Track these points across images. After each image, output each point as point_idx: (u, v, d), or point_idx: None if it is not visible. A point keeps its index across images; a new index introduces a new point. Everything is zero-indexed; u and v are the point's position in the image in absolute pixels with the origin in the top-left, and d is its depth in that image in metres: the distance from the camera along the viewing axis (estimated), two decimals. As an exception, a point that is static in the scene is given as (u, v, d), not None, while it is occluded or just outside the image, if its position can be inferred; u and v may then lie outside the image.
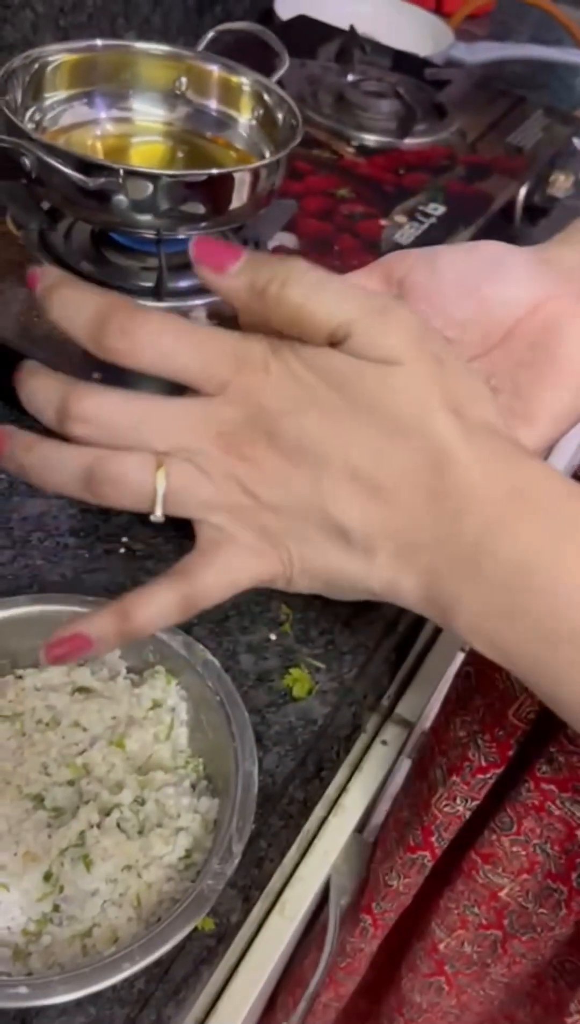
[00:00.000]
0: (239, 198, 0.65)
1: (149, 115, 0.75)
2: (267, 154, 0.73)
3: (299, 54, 1.10)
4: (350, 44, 1.06)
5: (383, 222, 0.83)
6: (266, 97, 0.73)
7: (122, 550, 0.63)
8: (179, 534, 0.64)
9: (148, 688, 0.51)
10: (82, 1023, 0.42)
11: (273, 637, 0.60)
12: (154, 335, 0.32)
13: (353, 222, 0.82)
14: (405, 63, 1.09)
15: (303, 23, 1.17)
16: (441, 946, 0.60)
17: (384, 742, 0.68)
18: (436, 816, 0.56)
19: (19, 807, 0.45)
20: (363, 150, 0.93)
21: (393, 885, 0.60)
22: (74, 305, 0.33)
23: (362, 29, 1.10)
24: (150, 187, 0.59)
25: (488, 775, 0.52)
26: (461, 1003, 0.64)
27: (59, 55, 0.69)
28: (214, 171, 0.62)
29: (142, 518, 0.65)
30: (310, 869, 0.59)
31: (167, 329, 0.32)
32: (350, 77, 1.03)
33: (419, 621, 0.64)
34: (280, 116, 0.72)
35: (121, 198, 0.60)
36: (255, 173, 0.64)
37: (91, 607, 0.52)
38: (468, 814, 0.55)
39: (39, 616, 0.51)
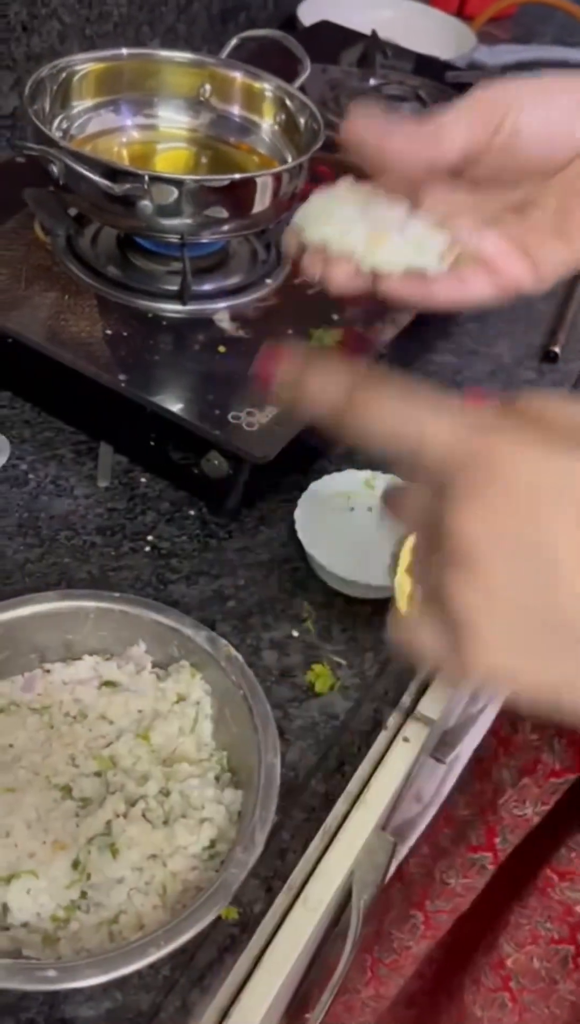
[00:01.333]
0: (262, 202, 0.66)
1: (173, 122, 0.76)
2: (289, 159, 0.74)
3: (321, 59, 1.12)
4: (372, 48, 1.07)
5: (405, 224, 0.83)
6: (288, 103, 0.74)
7: (148, 548, 0.64)
8: (203, 533, 0.66)
9: (173, 682, 0.52)
10: (109, 1008, 0.43)
11: (296, 634, 0.60)
12: None
13: (375, 225, 0.83)
14: (427, 67, 1.09)
15: (326, 28, 1.18)
16: (508, 961, 0.60)
17: (406, 739, 0.68)
18: (503, 818, 0.56)
19: (48, 797, 0.46)
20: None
21: (450, 884, 0.60)
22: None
23: (384, 34, 1.11)
24: (175, 192, 0.61)
25: (561, 780, 0.52)
26: (523, 1021, 0.64)
27: (85, 64, 0.71)
28: (237, 176, 0.63)
29: (166, 518, 0.67)
30: (333, 862, 0.59)
31: None
32: (372, 81, 1.04)
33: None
34: (302, 121, 0.73)
35: (146, 203, 0.61)
36: (277, 177, 0.65)
37: (117, 603, 0.53)
38: (537, 819, 0.55)
39: (66, 611, 0.53)
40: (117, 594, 0.54)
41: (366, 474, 0.67)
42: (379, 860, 0.68)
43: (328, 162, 0.75)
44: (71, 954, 0.42)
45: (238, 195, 0.64)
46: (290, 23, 1.33)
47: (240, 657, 0.51)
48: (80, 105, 0.72)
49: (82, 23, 1.04)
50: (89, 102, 0.73)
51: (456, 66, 1.15)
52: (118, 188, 0.59)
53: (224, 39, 1.30)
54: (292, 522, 0.64)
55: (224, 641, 0.52)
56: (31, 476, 0.67)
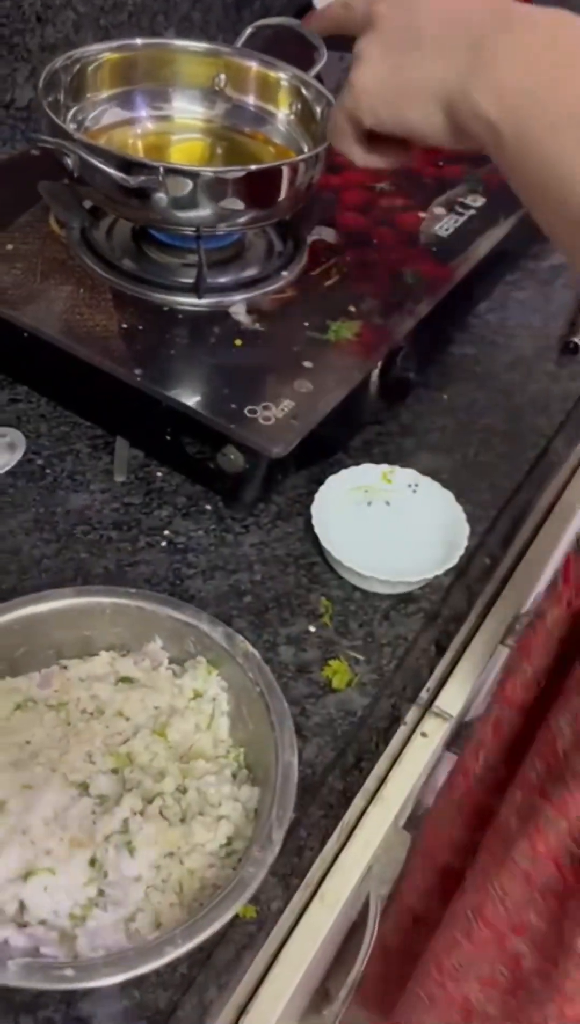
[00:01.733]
0: (278, 193, 0.65)
1: (188, 112, 0.76)
2: (306, 149, 0.73)
3: (338, 46, 1.10)
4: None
5: (422, 214, 0.82)
6: (304, 92, 0.73)
7: (164, 543, 0.64)
8: (219, 527, 0.65)
9: (189, 678, 0.51)
10: (127, 1006, 0.43)
11: (313, 629, 0.60)
12: None
13: (392, 215, 0.82)
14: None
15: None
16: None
17: (424, 734, 0.68)
18: None
19: (65, 794, 0.46)
20: (402, 142, 0.92)
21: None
22: None
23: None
24: (189, 184, 0.60)
25: None
26: None
27: (100, 55, 0.70)
28: (253, 167, 0.63)
29: (183, 512, 0.66)
30: (350, 859, 0.59)
31: None
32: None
33: (460, 614, 0.64)
34: (318, 110, 0.72)
35: (161, 195, 0.60)
36: (293, 168, 0.64)
37: (133, 599, 0.53)
38: None
39: (83, 608, 0.52)
40: (133, 590, 0.53)
41: (384, 468, 0.66)
42: (397, 855, 0.67)
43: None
44: (88, 951, 0.42)
45: (254, 186, 0.64)
46: (305, 9, 1.31)
47: (257, 654, 0.51)
48: (94, 96, 0.72)
49: (97, 13, 1.03)
50: (103, 93, 0.72)
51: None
52: (133, 180, 0.58)
53: (239, 27, 1.29)
54: (309, 516, 0.63)
55: (241, 637, 0.51)
56: (48, 471, 0.67)
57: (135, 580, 0.61)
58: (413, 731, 0.69)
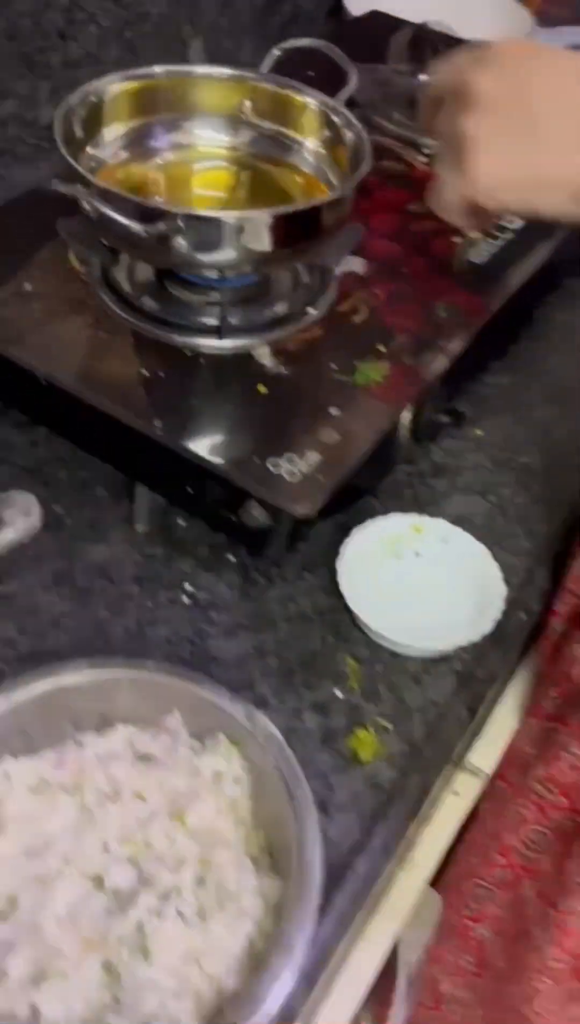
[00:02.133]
0: (306, 232, 0.62)
1: (212, 140, 0.73)
2: (334, 179, 0.70)
3: (369, 52, 1.06)
4: (422, 41, 1.01)
5: (456, 240, 0.79)
6: (333, 118, 0.70)
7: (186, 599, 0.62)
8: (242, 580, 0.63)
9: (209, 758, 0.49)
10: None
11: (339, 694, 0.58)
12: None
13: (425, 240, 0.79)
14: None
15: (375, 19, 1.12)
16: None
17: (456, 793, 0.65)
18: None
19: (79, 888, 0.44)
20: (436, 159, 0.89)
21: None
22: None
23: (436, 16, 1.05)
24: (209, 230, 0.57)
25: None
26: None
27: (118, 85, 0.68)
28: (279, 211, 0.60)
29: (205, 564, 0.64)
30: (377, 930, 0.57)
31: None
32: (421, 78, 0.99)
33: (494, 675, 0.61)
34: (348, 139, 0.69)
35: (181, 241, 0.58)
36: (320, 209, 0.61)
37: (152, 672, 0.51)
38: None
39: (100, 682, 0.51)
40: (151, 663, 0.52)
41: (413, 518, 0.63)
42: (427, 918, 0.65)
43: (375, 171, 0.71)
44: (102, 1060, 0.40)
45: (281, 226, 0.61)
46: (335, 12, 1.27)
47: (279, 735, 0.49)
48: (114, 129, 0.69)
49: (120, 26, 1.00)
50: (123, 126, 0.70)
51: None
52: (148, 230, 0.55)
53: (269, 31, 1.26)
54: (334, 568, 0.61)
55: (263, 718, 0.49)
56: (67, 520, 0.65)
57: (155, 641, 0.59)
58: (444, 788, 0.66)
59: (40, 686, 0.50)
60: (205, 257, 0.60)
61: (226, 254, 0.59)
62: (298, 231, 0.61)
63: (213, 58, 1.15)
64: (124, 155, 0.70)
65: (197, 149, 0.72)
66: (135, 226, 0.55)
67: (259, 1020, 0.40)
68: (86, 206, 0.58)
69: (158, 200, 0.57)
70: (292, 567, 0.64)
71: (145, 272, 0.70)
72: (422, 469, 0.72)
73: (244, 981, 0.42)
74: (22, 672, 0.55)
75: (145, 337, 0.66)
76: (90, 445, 0.68)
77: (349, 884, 0.50)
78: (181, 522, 0.66)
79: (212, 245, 0.59)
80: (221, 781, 0.49)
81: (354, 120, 0.67)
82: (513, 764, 0.63)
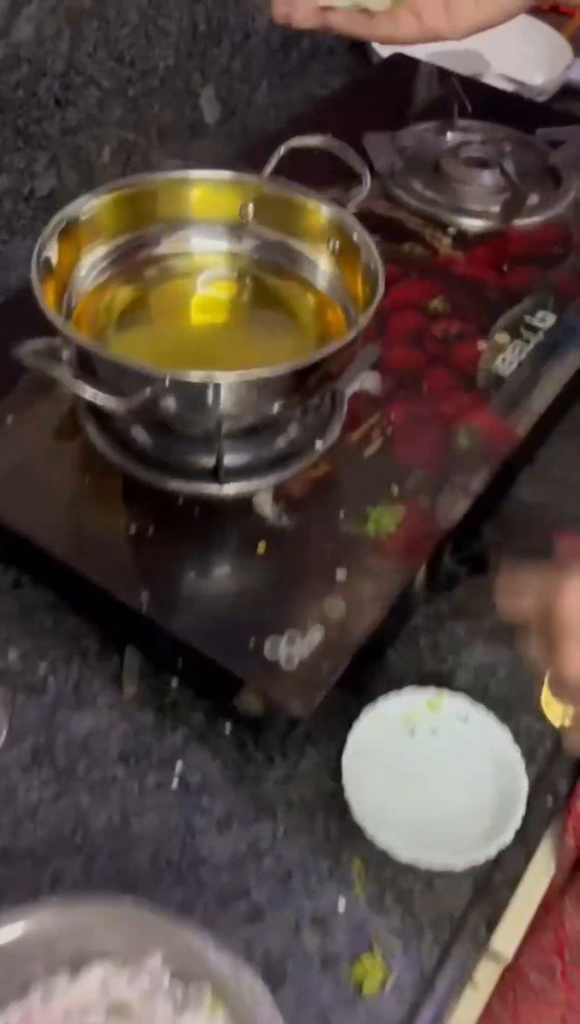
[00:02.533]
0: (313, 377, 0.56)
1: (211, 249, 0.66)
2: (345, 296, 0.63)
3: (393, 99, 0.99)
4: (450, 99, 0.93)
5: (481, 345, 0.72)
6: (344, 229, 0.63)
7: (175, 783, 0.56)
8: (240, 756, 0.57)
9: (191, 1016, 0.44)
10: None
11: (342, 906, 0.52)
12: None
13: (447, 346, 0.72)
14: (514, 114, 0.95)
15: (400, 65, 1.04)
16: None
17: (475, 984, 0.59)
18: None
19: None
20: (461, 240, 0.82)
21: None
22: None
23: (468, 46, 0.96)
24: (203, 393, 0.51)
25: None
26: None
27: (101, 201, 0.61)
28: (282, 368, 0.53)
29: (198, 735, 0.59)
30: None
31: None
32: (448, 138, 0.91)
33: (516, 878, 0.55)
34: (362, 252, 0.61)
35: (169, 403, 0.52)
36: (333, 355, 0.55)
37: (132, 913, 0.46)
38: None
39: (74, 922, 0.45)
40: (131, 899, 0.46)
41: (430, 693, 0.57)
42: None
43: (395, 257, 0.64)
44: None
45: (289, 378, 0.54)
46: (360, 50, 1.19)
47: (268, 994, 0.43)
48: (100, 247, 0.63)
49: (123, 85, 0.94)
50: (110, 241, 0.63)
51: (546, 105, 1.00)
52: (131, 402, 0.49)
53: (287, 68, 1.18)
54: (342, 740, 0.55)
55: (250, 975, 0.44)
56: (51, 679, 0.60)
57: (141, 835, 0.54)
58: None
59: (7, 932, 0.45)
60: (198, 415, 0.54)
61: (223, 410, 0.53)
62: (309, 376, 0.55)
63: (226, 105, 1.09)
64: (112, 272, 0.63)
65: (194, 259, 0.66)
66: (114, 402, 0.49)
67: None
68: (56, 376, 0.52)
69: (142, 367, 0.50)
70: (296, 740, 0.58)
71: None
72: (440, 610, 0.65)
73: None
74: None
75: (136, 482, 0.60)
76: (75, 602, 0.62)
77: None
78: (173, 684, 0.60)
79: (206, 404, 0.52)
80: (204, 1045, 0.44)
81: (367, 238, 0.60)
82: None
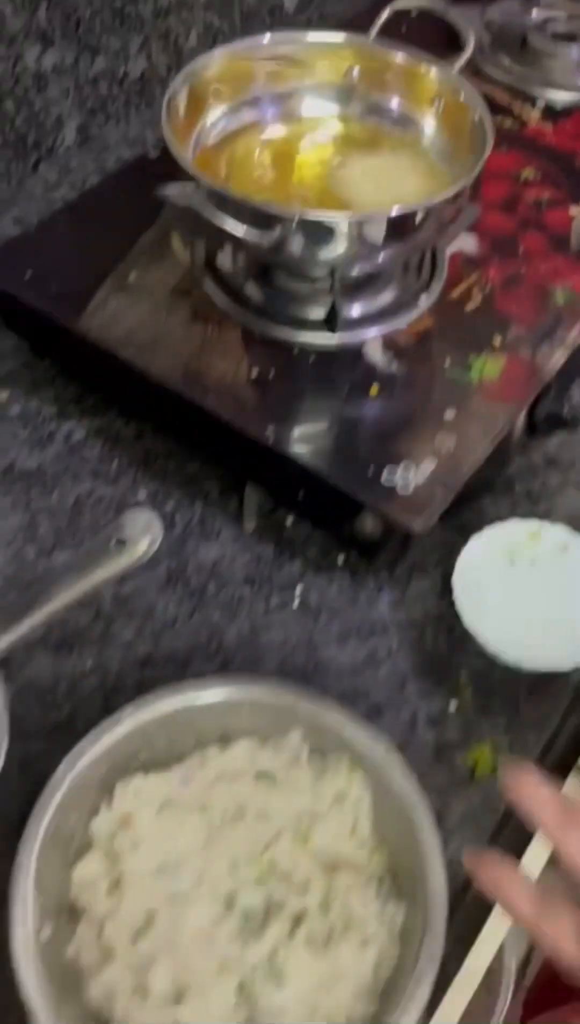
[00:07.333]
0: (423, 227, 0.59)
1: (320, 112, 0.69)
2: (450, 156, 0.66)
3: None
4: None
5: (573, 210, 0.74)
6: (449, 88, 0.65)
7: (296, 604, 0.62)
8: (353, 583, 0.63)
9: (331, 778, 0.50)
10: None
11: (453, 706, 0.58)
12: None
13: (540, 212, 0.74)
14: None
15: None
16: None
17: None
18: None
19: (211, 911, 0.46)
20: (550, 112, 0.83)
21: None
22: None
23: None
24: (327, 232, 0.55)
25: None
26: None
27: (221, 60, 0.64)
28: (396, 211, 0.56)
29: (315, 566, 0.64)
30: (486, 936, 0.58)
31: None
32: (534, 15, 0.92)
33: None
34: (467, 111, 0.64)
35: (296, 244, 0.55)
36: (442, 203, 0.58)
37: (275, 694, 0.51)
38: None
39: (225, 701, 0.51)
40: (275, 680, 0.52)
41: (531, 525, 0.62)
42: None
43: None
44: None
45: (395, 225, 0.58)
46: None
47: (401, 758, 0.49)
48: (218, 107, 0.66)
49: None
50: (226, 103, 0.66)
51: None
52: (265, 238, 0.53)
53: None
54: (446, 568, 0.60)
55: (385, 741, 0.50)
56: (177, 517, 0.66)
57: (269, 647, 0.60)
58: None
59: (168, 704, 0.51)
60: (319, 257, 0.58)
61: (340, 253, 0.57)
62: (418, 224, 0.58)
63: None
64: (228, 131, 0.67)
65: (304, 121, 0.69)
66: (251, 234, 0.53)
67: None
68: (197, 208, 0.56)
69: (272, 206, 0.54)
70: (403, 572, 0.63)
71: (250, 259, 0.68)
72: (534, 463, 0.70)
73: (374, 1010, 0.44)
74: (143, 679, 0.57)
75: (252, 333, 0.64)
76: (197, 446, 0.67)
77: (468, 907, 0.51)
78: (289, 522, 0.66)
79: (327, 245, 0.56)
80: (343, 802, 0.50)
81: (476, 94, 0.63)
82: None
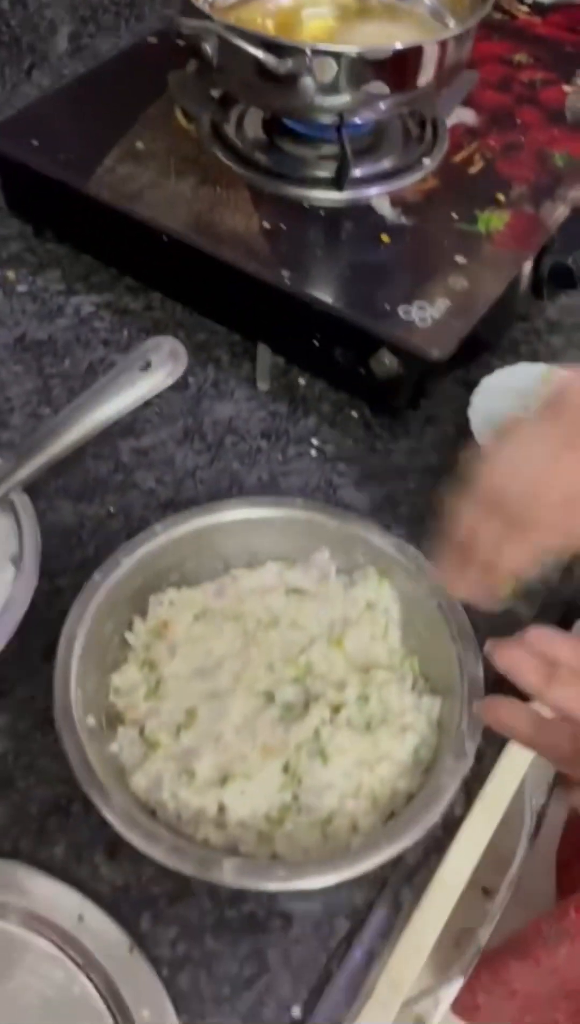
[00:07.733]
0: (425, 74, 0.60)
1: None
2: (451, 22, 0.67)
3: None
4: None
5: (567, 88, 0.76)
6: (448, -47, 0.67)
7: (314, 452, 0.63)
8: (367, 435, 0.64)
9: (361, 589, 0.51)
10: (325, 903, 0.45)
11: (473, 537, 0.59)
12: None
13: (534, 90, 0.76)
14: None
15: None
16: None
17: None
18: None
19: (251, 703, 0.46)
20: (538, 7, 0.85)
21: None
22: None
23: None
24: (335, 67, 0.56)
25: None
26: None
27: None
28: (400, 46, 0.58)
29: (329, 420, 0.65)
30: (508, 764, 0.59)
31: None
32: None
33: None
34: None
35: (307, 80, 0.56)
36: (443, 46, 0.59)
37: (301, 510, 0.52)
38: None
39: (251, 519, 0.52)
40: (300, 500, 0.53)
41: (542, 368, 0.63)
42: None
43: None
44: (287, 851, 0.43)
45: (401, 67, 0.59)
46: None
47: (430, 564, 0.50)
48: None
49: None
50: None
51: None
52: (281, 65, 0.54)
53: None
54: (459, 421, 0.61)
55: (413, 548, 0.51)
56: (190, 379, 0.66)
57: (289, 490, 0.61)
58: None
59: (197, 522, 0.51)
60: (327, 100, 0.59)
61: (346, 95, 0.58)
62: (418, 71, 0.59)
63: None
64: (233, 3, 0.68)
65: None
66: (268, 59, 0.54)
67: (430, 819, 0.42)
68: (208, 48, 0.57)
69: (284, 39, 0.56)
70: (416, 423, 0.64)
71: (255, 128, 0.69)
72: (537, 326, 0.71)
73: (417, 782, 0.45)
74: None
75: (262, 191, 0.65)
76: (209, 308, 0.68)
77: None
78: (301, 381, 0.66)
79: (334, 85, 0.57)
80: (374, 609, 0.51)
81: (474, -48, 0.64)
82: None
